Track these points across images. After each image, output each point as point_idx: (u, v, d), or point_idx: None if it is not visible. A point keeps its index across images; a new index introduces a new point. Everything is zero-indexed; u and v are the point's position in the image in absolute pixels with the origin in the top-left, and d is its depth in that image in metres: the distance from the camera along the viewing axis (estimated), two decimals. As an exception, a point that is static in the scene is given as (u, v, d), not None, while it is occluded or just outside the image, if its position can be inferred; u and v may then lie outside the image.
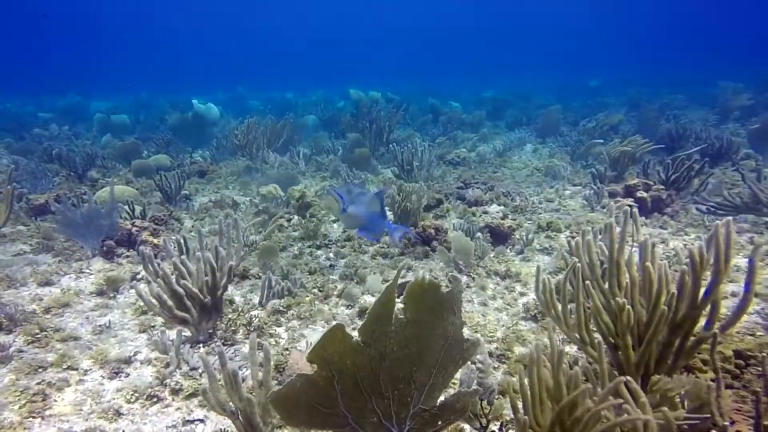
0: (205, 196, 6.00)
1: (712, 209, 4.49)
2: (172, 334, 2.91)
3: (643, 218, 4.60)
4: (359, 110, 8.51)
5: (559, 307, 2.12)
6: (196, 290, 2.78)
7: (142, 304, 2.95)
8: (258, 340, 2.83)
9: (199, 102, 9.83)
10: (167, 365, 2.61)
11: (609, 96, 15.27)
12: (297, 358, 2.62)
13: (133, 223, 4.06)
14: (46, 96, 17.34)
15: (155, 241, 3.93)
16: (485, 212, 5.08)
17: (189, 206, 5.43)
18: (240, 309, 3.16)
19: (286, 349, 2.71)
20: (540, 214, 5.11)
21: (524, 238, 4.33)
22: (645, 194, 4.64)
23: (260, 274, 3.79)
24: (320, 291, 3.55)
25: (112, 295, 3.42)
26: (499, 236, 4.48)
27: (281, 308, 3.23)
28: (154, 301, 2.75)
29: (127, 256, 3.92)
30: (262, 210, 5.13)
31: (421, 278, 1.81)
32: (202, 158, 7.98)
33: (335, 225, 4.95)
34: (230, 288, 3.60)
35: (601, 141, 7.79)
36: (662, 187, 4.70)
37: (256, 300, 3.41)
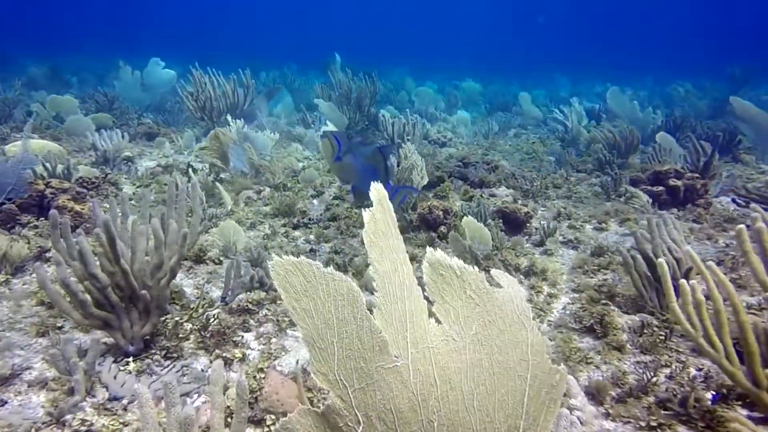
0: (152, 160, 4.94)
1: (748, 202, 3.94)
2: (86, 338, 1.98)
3: (676, 210, 3.99)
4: (333, 78, 7.52)
5: (696, 319, 1.37)
6: (126, 267, 1.85)
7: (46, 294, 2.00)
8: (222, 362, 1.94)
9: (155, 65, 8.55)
10: (71, 392, 1.68)
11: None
12: (277, 385, 1.76)
13: (48, 183, 3.02)
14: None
15: (78, 207, 2.93)
16: (492, 195, 4.34)
17: (131, 170, 4.38)
18: (193, 306, 2.25)
19: (261, 369, 1.84)
20: (553, 200, 4.42)
21: (544, 227, 3.62)
22: (678, 182, 4.03)
23: (221, 258, 2.87)
24: (302, 283, 2.68)
25: (2, 279, 2.41)
26: (513, 224, 3.75)
27: (250, 306, 2.35)
28: (62, 291, 1.81)
29: (36, 227, 2.90)
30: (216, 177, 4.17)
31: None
32: (154, 122, 6.82)
33: (315, 201, 4.06)
34: (179, 275, 2.67)
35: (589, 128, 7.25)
36: (697, 175, 4.11)
37: (216, 294, 2.50)
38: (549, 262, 3.23)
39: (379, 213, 1.19)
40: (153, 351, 1.94)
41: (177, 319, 2.02)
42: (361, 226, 3.20)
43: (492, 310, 1.18)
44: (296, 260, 1.10)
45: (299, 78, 11.43)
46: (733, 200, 4.08)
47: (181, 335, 2.02)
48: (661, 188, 4.04)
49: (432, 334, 1.17)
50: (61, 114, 6.33)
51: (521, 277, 3.09)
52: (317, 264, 1.10)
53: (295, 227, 3.55)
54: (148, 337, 1.97)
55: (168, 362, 1.93)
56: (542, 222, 3.70)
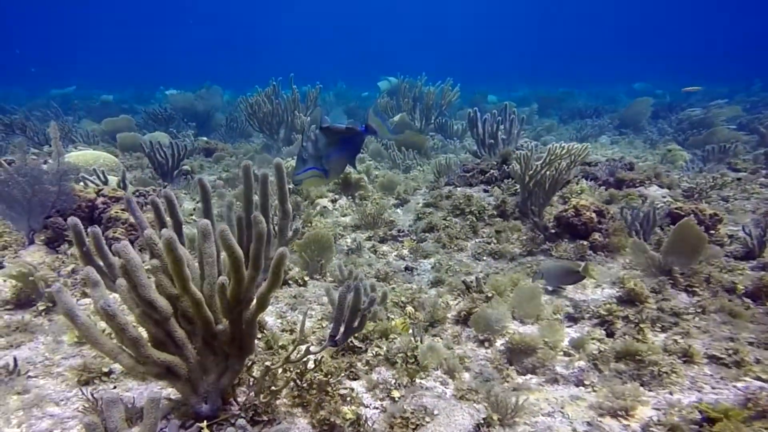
0: (212, 174, 4.49)
1: None
2: (139, 392, 1.38)
3: None
4: (399, 90, 7.00)
5: None
6: (196, 293, 1.25)
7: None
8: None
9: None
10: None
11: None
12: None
13: (100, 191, 2.54)
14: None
15: (133, 219, 2.41)
16: (642, 195, 3.52)
17: (190, 184, 3.92)
18: (281, 344, 1.62)
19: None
20: (730, 201, 3.53)
21: (751, 234, 2.70)
22: None
23: (306, 278, 2.26)
24: (415, 309, 2.01)
25: (42, 307, 1.88)
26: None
27: (355, 342, 1.69)
28: (102, 326, 1.23)
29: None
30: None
31: None
32: (211, 139, 6.49)
33: (399, 210, 3.43)
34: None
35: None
36: None
37: (306, 324, 1.87)
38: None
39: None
40: (235, 411, 1.32)
41: (268, 363, 1.38)
42: (467, 237, 2.44)
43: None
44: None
45: (350, 93, 11.08)
46: None
47: (271, 388, 1.39)
48: None
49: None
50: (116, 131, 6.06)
51: (749, 301, 2.21)
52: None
53: (382, 240, 2.92)
54: (228, 387, 1.35)
55: (256, 428, 1.30)
56: (745, 228, 2.75)
